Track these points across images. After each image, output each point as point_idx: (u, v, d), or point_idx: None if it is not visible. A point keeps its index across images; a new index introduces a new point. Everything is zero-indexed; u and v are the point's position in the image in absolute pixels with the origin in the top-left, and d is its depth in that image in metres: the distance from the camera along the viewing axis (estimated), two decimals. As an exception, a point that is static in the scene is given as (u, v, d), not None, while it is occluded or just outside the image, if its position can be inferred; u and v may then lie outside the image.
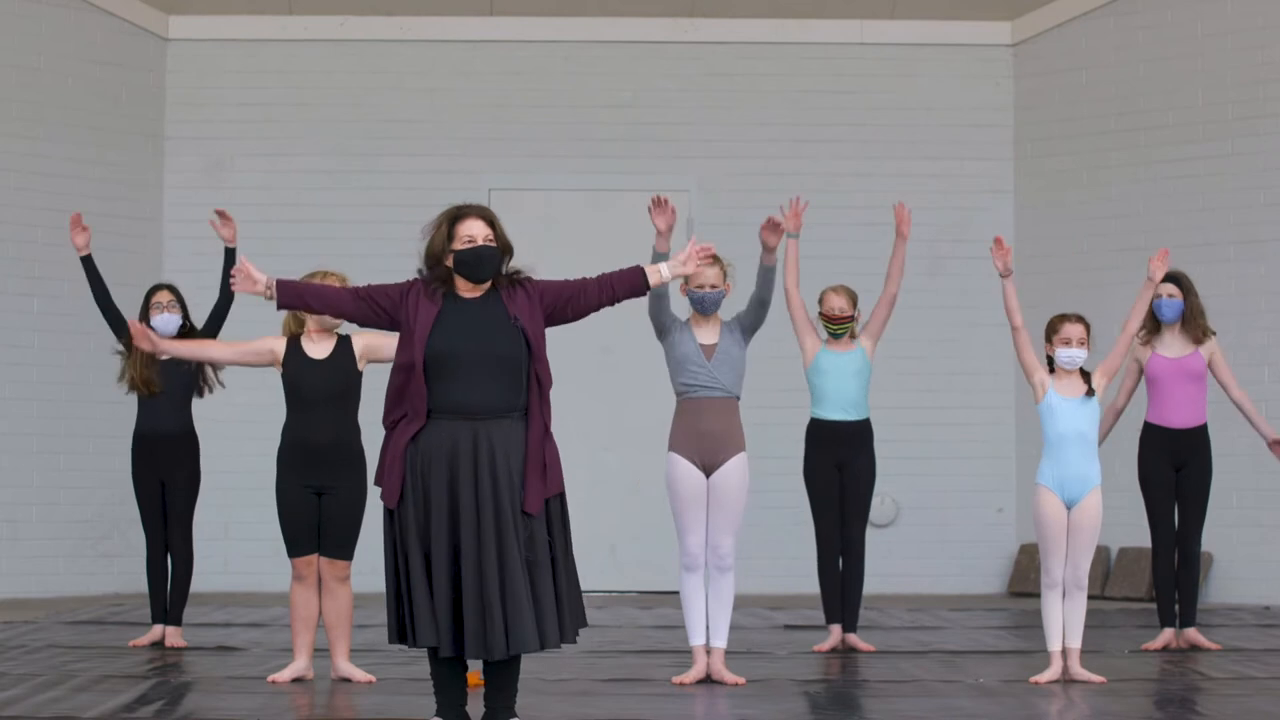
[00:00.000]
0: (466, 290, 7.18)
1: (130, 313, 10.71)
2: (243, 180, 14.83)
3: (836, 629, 10.50)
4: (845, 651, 10.39)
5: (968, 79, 15.05)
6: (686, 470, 9.00)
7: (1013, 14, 14.98)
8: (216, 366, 10.65)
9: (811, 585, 10.79)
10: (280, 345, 8.98)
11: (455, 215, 7.25)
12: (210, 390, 10.79)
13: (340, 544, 8.91)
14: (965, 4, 14.89)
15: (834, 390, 10.39)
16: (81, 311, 14.16)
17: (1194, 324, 10.59)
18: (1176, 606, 10.65)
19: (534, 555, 6.91)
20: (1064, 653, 9.03)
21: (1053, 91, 14.82)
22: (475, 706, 7.12)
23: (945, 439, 14.67)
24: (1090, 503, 8.99)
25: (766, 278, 9.20)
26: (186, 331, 10.72)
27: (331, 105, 14.92)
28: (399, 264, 14.94)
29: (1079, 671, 9.01)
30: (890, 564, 14.30)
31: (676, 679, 9.00)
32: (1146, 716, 7.96)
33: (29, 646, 10.35)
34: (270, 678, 8.92)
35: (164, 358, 9.86)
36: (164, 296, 10.69)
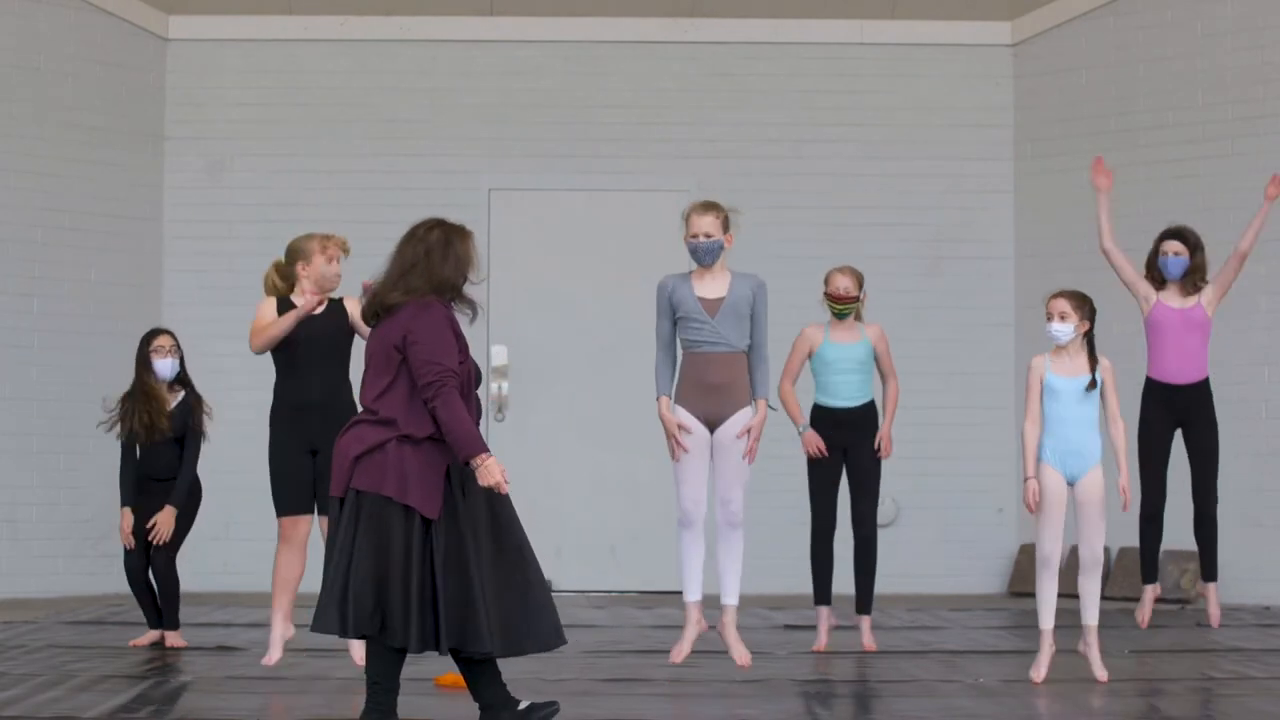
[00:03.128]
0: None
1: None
2: (243, 180, 14.84)
3: (824, 611, 10.46)
4: (845, 653, 10.37)
5: (968, 79, 15.05)
6: (690, 424, 8.93)
7: (1013, 14, 14.97)
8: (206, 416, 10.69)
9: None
10: (270, 307, 8.98)
11: (470, 233, 7.22)
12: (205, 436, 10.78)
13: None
14: (965, 4, 14.89)
15: (839, 381, 10.37)
16: (81, 312, 14.20)
17: (1190, 279, 10.54)
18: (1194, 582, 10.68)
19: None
20: (1082, 630, 9.01)
21: (1053, 91, 14.82)
22: (465, 708, 7.12)
23: (945, 439, 14.66)
24: (1092, 479, 8.97)
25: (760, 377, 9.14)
26: (182, 379, 10.70)
27: (331, 105, 14.92)
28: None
29: (1094, 655, 8.97)
30: (890, 564, 14.26)
31: (673, 652, 8.95)
32: (1146, 717, 7.96)
33: (29, 646, 10.35)
34: (263, 661, 8.90)
35: (176, 368, 10.28)
36: (165, 341, 10.66)
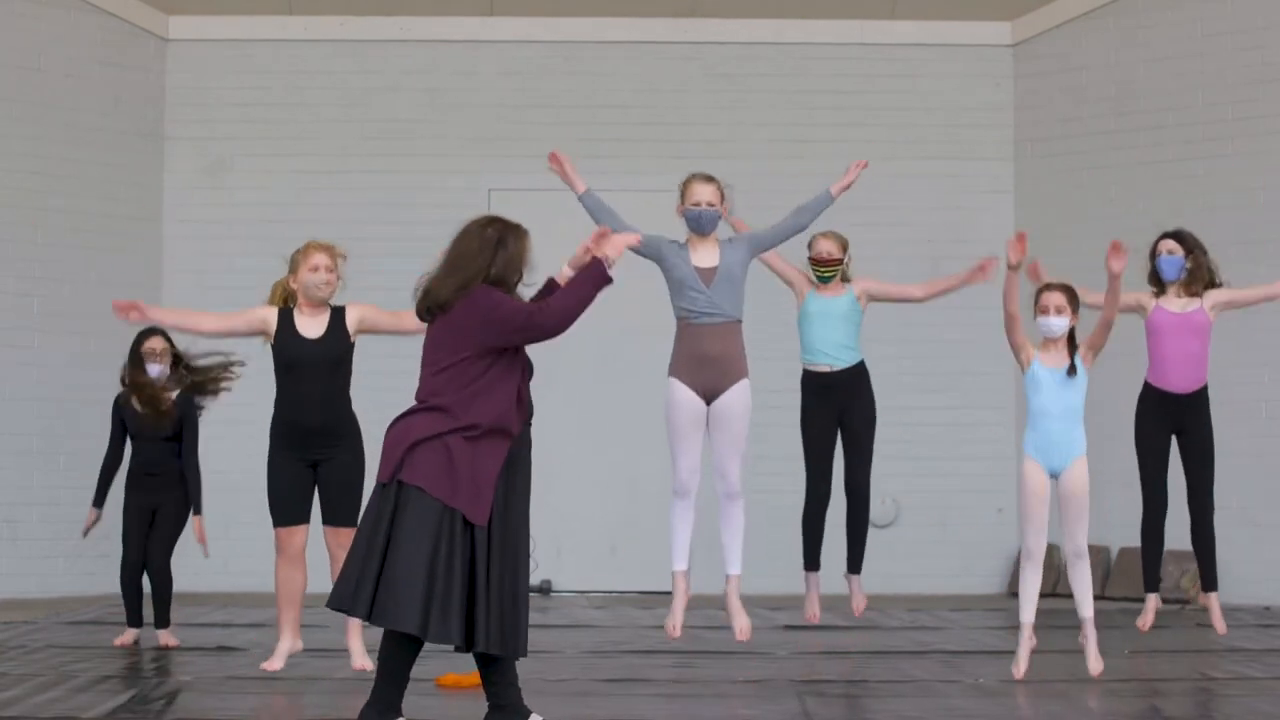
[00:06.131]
0: None
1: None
2: (243, 180, 14.84)
3: (814, 577, 10.43)
4: (844, 653, 10.37)
5: (968, 79, 15.05)
6: (685, 396, 8.92)
7: (1013, 14, 14.98)
8: (198, 372, 10.67)
9: (811, 585, 10.77)
10: (271, 316, 8.94)
11: (526, 232, 7.24)
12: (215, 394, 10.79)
13: (343, 511, 8.88)
14: (965, 4, 14.89)
15: (821, 336, 10.27)
16: (81, 312, 14.20)
17: (1189, 282, 10.41)
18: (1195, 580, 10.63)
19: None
20: (1080, 622, 9.03)
21: (1053, 91, 14.82)
22: (473, 706, 7.12)
23: (945, 439, 14.67)
24: (1076, 471, 8.96)
25: (820, 207, 9.18)
26: (177, 379, 10.67)
27: (331, 105, 14.93)
28: (397, 264, 14.92)
29: (1091, 647, 8.99)
30: (890, 564, 14.30)
31: (668, 627, 8.97)
32: (1146, 717, 7.96)
33: (29, 646, 10.35)
34: (263, 665, 8.91)
35: (166, 366, 10.17)
36: (156, 344, 10.63)
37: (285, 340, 8.92)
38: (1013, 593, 14.51)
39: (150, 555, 10.64)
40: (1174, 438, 10.45)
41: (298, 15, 14.90)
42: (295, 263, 9.07)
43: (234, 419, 13.38)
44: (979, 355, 14.86)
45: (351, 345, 9.01)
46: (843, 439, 10.38)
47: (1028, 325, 9.17)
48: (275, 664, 8.97)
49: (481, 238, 7.11)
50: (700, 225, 9.01)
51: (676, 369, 8.96)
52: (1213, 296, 10.34)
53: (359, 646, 9.03)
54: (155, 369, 10.62)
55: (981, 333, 14.90)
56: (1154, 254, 10.49)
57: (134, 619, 10.71)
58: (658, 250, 9.07)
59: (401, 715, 6.98)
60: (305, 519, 8.97)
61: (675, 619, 9.02)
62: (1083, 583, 9.02)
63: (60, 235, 14.18)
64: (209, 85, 14.91)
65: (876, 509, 14.04)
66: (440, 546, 6.81)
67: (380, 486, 6.96)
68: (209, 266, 14.57)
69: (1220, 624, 10.51)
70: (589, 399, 14.62)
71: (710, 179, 9.12)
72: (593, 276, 7.06)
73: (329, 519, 8.94)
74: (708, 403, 8.93)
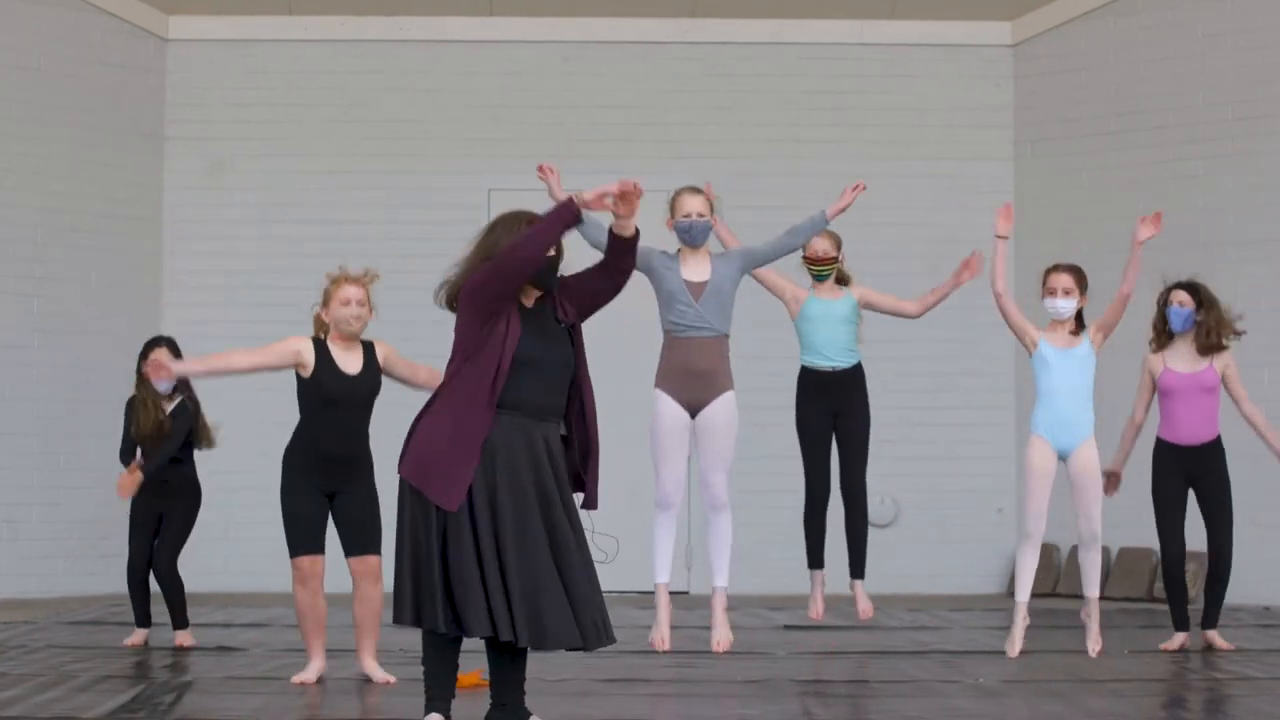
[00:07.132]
0: (527, 296, 7.08)
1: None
2: (243, 180, 14.84)
3: (818, 574, 10.42)
4: (844, 653, 10.38)
5: (968, 79, 15.05)
6: (670, 408, 8.93)
7: (1013, 14, 14.98)
8: (203, 434, 10.68)
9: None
10: (308, 349, 8.77)
11: (532, 218, 7.17)
12: (209, 445, 10.77)
13: (365, 539, 8.83)
14: (965, 4, 14.89)
15: (823, 339, 10.27)
16: (81, 312, 14.21)
17: (1205, 339, 10.39)
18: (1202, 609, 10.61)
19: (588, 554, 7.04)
20: (1084, 600, 9.02)
21: (1053, 91, 14.82)
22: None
23: (945, 439, 14.66)
24: (1085, 453, 8.96)
25: (813, 229, 9.10)
26: (180, 386, 10.61)
27: (331, 105, 14.92)
28: (396, 263, 14.96)
29: (1093, 626, 8.99)
30: (890, 564, 14.29)
31: (656, 640, 8.92)
32: (1148, 717, 7.96)
33: (29, 646, 10.35)
34: (295, 679, 8.84)
35: (174, 381, 10.19)
36: (161, 354, 10.37)
37: (325, 375, 8.79)
38: (1013, 593, 14.50)
39: (156, 559, 10.61)
40: (1190, 490, 10.50)
41: (298, 15, 14.90)
42: (327, 295, 8.93)
43: (235, 419, 13.38)
44: (979, 355, 14.87)
45: (380, 382, 8.94)
46: (838, 439, 10.35)
47: (1034, 307, 9.15)
48: (309, 678, 8.91)
49: (482, 231, 7.15)
50: (692, 237, 9.00)
51: (662, 381, 8.98)
52: (1224, 362, 10.38)
53: (372, 664, 8.98)
54: (161, 383, 10.45)
55: (981, 333, 14.91)
56: (1164, 303, 10.44)
57: (142, 619, 10.70)
58: (647, 262, 9.05)
59: (440, 715, 6.97)
60: (322, 549, 8.90)
61: (662, 630, 8.99)
62: (1093, 566, 9.03)
63: (60, 235, 14.18)
64: (209, 85, 14.91)
65: (876, 509, 14.02)
66: (420, 535, 6.85)
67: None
68: (209, 266, 14.56)
69: (1225, 646, 10.48)
70: (589, 399, 14.62)
71: (698, 191, 9.09)
72: (560, 213, 7.01)
73: (353, 549, 8.86)
74: (692, 415, 8.93)
